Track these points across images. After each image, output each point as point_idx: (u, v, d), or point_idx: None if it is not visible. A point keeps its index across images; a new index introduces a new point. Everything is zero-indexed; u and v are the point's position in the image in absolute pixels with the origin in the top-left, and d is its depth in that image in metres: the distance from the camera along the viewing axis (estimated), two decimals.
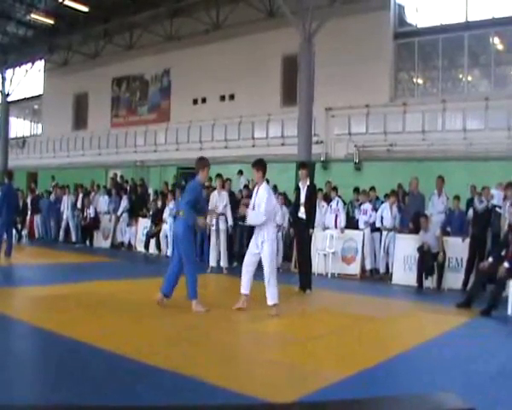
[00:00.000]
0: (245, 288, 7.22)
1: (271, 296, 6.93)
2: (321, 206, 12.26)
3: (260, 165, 7.33)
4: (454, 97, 14.89)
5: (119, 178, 19.63)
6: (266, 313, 7.02)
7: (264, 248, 7.07)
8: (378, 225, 11.74)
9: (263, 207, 7.04)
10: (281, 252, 13.00)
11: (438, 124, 14.79)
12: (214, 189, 12.37)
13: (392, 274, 11.28)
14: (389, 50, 15.90)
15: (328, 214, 12.44)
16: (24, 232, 18.02)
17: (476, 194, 10.96)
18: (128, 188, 17.92)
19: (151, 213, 15.10)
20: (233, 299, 7.88)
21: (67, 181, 19.40)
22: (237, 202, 13.67)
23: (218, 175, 12.46)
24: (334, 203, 12.48)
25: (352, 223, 12.62)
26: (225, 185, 12.56)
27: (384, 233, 11.71)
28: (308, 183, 9.31)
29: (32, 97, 27.92)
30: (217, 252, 11.76)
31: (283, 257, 13.03)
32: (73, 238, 17.21)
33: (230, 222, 11.92)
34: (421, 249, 10.29)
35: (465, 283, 10.04)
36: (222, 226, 11.72)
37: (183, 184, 14.87)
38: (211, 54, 19.20)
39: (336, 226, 12.23)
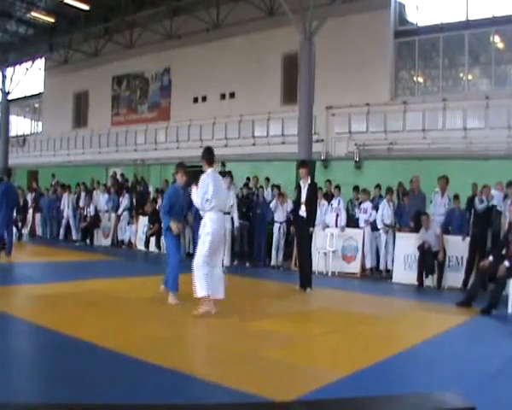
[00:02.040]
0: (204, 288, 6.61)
1: (196, 288, 6.52)
2: (321, 205, 12.27)
3: (202, 155, 6.95)
4: (454, 96, 14.86)
5: (119, 177, 19.62)
6: (266, 313, 7.02)
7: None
8: (380, 225, 11.76)
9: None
10: (281, 250, 13.05)
11: (438, 122, 14.77)
12: None
13: (392, 273, 11.30)
14: (389, 49, 15.88)
15: (329, 213, 12.46)
16: (25, 231, 18.04)
17: (478, 193, 10.94)
18: (130, 185, 17.88)
19: (148, 213, 15.09)
20: (233, 298, 7.88)
21: (68, 179, 19.41)
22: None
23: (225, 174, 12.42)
24: (334, 202, 12.49)
25: (352, 221, 12.63)
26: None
27: (383, 231, 11.76)
28: (309, 181, 9.30)
29: (33, 96, 27.90)
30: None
31: (284, 255, 13.07)
32: (74, 237, 17.24)
33: (237, 223, 11.88)
34: (421, 248, 10.30)
35: (465, 282, 10.05)
36: (227, 226, 11.69)
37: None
38: (211, 52, 19.19)
39: (337, 225, 12.25)
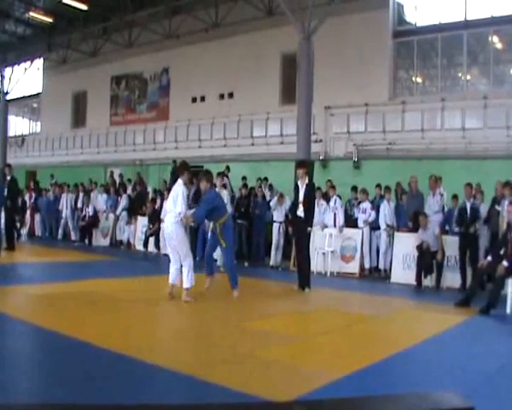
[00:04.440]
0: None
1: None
2: (320, 204, 12.28)
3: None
4: (453, 96, 14.88)
5: (117, 177, 19.60)
6: (264, 313, 7.02)
7: None
8: (383, 226, 11.77)
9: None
10: (280, 250, 13.06)
11: (437, 122, 14.78)
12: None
13: (390, 273, 11.31)
14: (388, 49, 15.90)
15: (327, 213, 12.46)
16: (23, 231, 18.02)
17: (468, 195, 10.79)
18: (133, 184, 17.83)
19: (148, 213, 15.08)
20: (232, 298, 7.89)
21: (66, 179, 19.39)
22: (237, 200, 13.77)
23: (219, 173, 12.44)
24: (332, 202, 12.50)
25: (350, 221, 12.63)
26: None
27: (384, 231, 11.77)
28: (307, 181, 9.31)
29: (31, 96, 27.87)
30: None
31: (282, 255, 13.07)
32: (72, 237, 17.24)
33: None
34: (420, 248, 10.31)
35: (463, 282, 10.10)
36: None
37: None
38: (210, 52, 19.19)
39: (335, 225, 12.25)
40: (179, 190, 7.69)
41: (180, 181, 7.80)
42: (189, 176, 8.17)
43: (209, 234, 8.79)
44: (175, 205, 7.58)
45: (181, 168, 8.07)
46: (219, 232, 8.03)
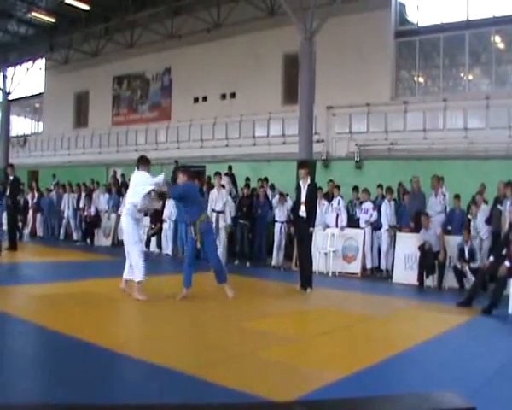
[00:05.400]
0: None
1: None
2: (321, 204, 12.27)
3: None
4: (455, 96, 14.86)
5: (119, 176, 19.61)
6: (266, 312, 7.00)
7: None
8: (386, 227, 11.74)
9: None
10: (282, 250, 13.06)
11: (438, 122, 14.76)
12: (213, 186, 12.43)
13: (392, 273, 11.30)
14: (390, 49, 15.87)
15: (330, 213, 12.45)
16: (25, 231, 18.05)
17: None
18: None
19: (150, 213, 15.06)
20: (233, 298, 7.88)
21: (68, 179, 19.41)
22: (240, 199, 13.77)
23: (217, 173, 12.47)
24: (335, 202, 12.49)
25: (352, 222, 12.61)
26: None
27: (386, 232, 11.75)
28: (309, 181, 9.29)
29: (33, 96, 27.90)
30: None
31: (284, 255, 13.07)
32: (74, 237, 17.25)
33: (229, 221, 11.92)
34: (422, 248, 10.30)
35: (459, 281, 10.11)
36: (221, 224, 11.75)
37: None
38: (211, 52, 19.19)
39: (337, 225, 12.24)
40: (143, 177, 7.45)
41: (142, 171, 7.56)
42: (148, 169, 7.78)
43: (188, 241, 8.30)
44: (133, 196, 7.40)
45: (142, 162, 7.69)
46: (198, 232, 7.52)
